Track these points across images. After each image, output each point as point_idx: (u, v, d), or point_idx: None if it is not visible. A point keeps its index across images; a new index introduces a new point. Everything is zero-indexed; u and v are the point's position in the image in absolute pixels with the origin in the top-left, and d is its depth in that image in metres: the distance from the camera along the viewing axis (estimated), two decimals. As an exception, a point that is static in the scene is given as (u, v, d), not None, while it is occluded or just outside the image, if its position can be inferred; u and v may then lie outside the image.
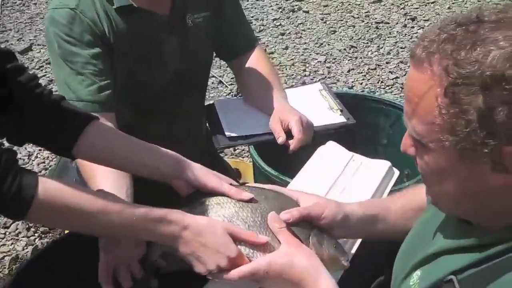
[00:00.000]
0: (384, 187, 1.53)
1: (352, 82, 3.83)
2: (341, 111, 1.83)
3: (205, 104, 2.00)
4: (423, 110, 0.87)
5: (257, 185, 1.41)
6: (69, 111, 1.30)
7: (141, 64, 1.70)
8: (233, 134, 1.75)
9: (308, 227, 1.23)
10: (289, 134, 1.67)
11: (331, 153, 1.62)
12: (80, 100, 1.56)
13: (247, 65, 1.91)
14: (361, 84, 3.80)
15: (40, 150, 3.17)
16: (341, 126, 1.79)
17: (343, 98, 1.95)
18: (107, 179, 1.42)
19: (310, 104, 1.89)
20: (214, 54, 1.95)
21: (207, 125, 1.95)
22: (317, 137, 1.72)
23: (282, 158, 1.69)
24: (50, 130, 1.28)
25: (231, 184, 1.31)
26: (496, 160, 0.83)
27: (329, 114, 1.83)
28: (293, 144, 1.65)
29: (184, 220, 1.17)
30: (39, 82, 1.30)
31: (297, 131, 1.64)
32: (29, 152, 3.17)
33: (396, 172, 1.57)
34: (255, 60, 1.91)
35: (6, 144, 1.26)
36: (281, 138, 1.66)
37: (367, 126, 1.96)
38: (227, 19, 1.85)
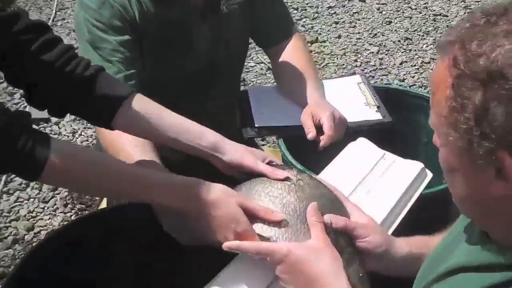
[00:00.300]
0: (414, 190, 1.46)
1: (404, 75, 3.72)
2: (378, 107, 1.76)
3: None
4: (436, 100, 0.82)
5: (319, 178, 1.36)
6: (108, 82, 1.30)
7: (171, 51, 1.66)
8: (262, 124, 1.71)
9: (345, 242, 1.17)
10: (320, 129, 1.61)
11: (361, 150, 1.56)
12: None
13: (283, 55, 1.85)
14: (413, 77, 3.69)
15: (84, 128, 3.20)
16: (376, 124, 1.71)
17: (383, 92, 1.87)
18: (133, 155, 1.42)
19: (346, 97, 1.82)
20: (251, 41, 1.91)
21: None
22: (349, 133, 1.66)
23: (311, 153, 1.63)
24: (88, 102, 1.29)
25: (275, 165, 1.32)
26: (498, 167, 0.76)
27: (365, 110, 1.76)
28: (323, 140, 1.59)
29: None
30: (75, 53, 1.30)
31: (328, 127, 1.58)
32: (74, 129, 3.21)
33: (429, 175, 1.49)
34: (292, 50, 1.86)
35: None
36: (311, 133, 1.60)
37: (406, 123, 1.88)
38: (263, 6, 1.80)
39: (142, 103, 1.33)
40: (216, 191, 1.18)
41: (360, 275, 1.14)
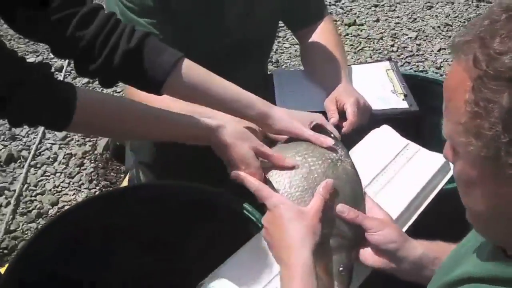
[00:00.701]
0: (436, 183, 1.40)
1: (441, 62, 3.62)
2: (405, 96, 1.69)
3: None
4: (453, 106, 0.74)
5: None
6: (155, 50, 1.30)
7: (202, 27, 1.62)
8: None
9: (345, 231, 1.15)
10: (343, 115, 1.55)
11: (384, 138, 1.50)
12: None
13: (312, 37, 1.80)
14: (450, 65, 3.58)
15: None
16: (402, 112, 1.65)
17: (412, 80, 1.80)
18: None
19: (373, 84, 1.76)
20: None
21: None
22: (374, 120, 1.60)
23: (334, 139, 1.59)
24: (136, 72, 1.29)
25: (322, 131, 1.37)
26: None
27: (391, 97, 1.70)
28: (345, 126, 1.53)
29: (223, 119, 1.30)
30: (116, 20, 1.29)
31: (351, 113, 1.52)
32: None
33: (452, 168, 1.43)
34: (321, 33, 1.80)
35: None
36: (333, 118, 1.55)
37: (435, 113, 1.80)
38: None
39: (191, 70, 1.33)
40: (233, 134, 1.27)
41: (340, 269, 1.12)
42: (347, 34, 3.90)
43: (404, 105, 1.66)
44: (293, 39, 3.73)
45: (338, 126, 1.55)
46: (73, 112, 1.12)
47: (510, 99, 0.66)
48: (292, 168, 1.25)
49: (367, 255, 1.15)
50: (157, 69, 1.29)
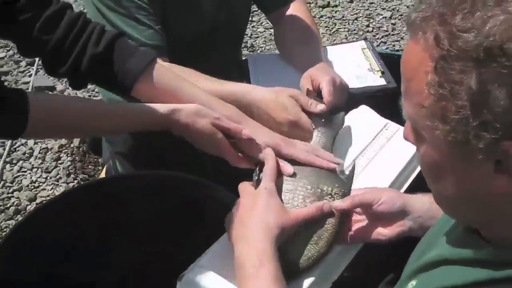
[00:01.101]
0: (418, 163, 1.38)
1: (417, 40, 3.60)
2: (383, 73, 1.67)
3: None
4: (413, 88, 0.70)
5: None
6: (124, 54, 1.28)
7: (177, 12, 1.59)
8: (260, 93, 1.63)
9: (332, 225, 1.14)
10: (319, 95, 1.53)
11: (363, 118, 1.49)
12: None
13: (284, 19, 1.77)
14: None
15: (90, 96, 3.15)
16: (379, 90, 1.63)
17: (389, 59, 1.78)
18: None
19: (350, 63, 1.74)
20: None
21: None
22: (352, 99, 1.58)
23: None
24: (105, 76, 1.28)
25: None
26: (499, 159, 0.65)
27: (368, 75, 1.68)
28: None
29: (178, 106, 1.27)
30: (85, 21, 1.28)
31: (327, 92, 1.50)
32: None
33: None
34: (294, 14, 1.77)
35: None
36: None
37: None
38: None
39: (160, 75, 1.32)
40: (189, 114, 1.26)
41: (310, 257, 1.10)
42: (322, 16, 3.87)
43: (382, 82, 1.64)
44: (268, 23, 3.70)
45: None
46: (26, 123, 1.10)
47: (479, 80, 0.62)
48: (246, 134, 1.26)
49: (380, 230, 1.11)
50: (126, 74, 1.28)
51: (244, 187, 1.13)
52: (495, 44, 0.60)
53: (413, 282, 0.84)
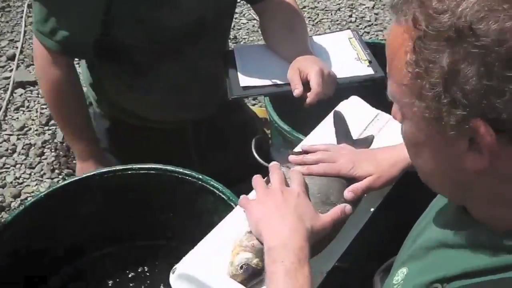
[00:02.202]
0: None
1: (400, 30, 3.61)
2: (370, 62, 1.66)
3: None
4: (395, 68, 0.72)
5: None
6: None
7: (152, 7, 1.53)
8: (248, 84, 1.61)
9: None
10: (308, 86, 1.52)
11: (353, 109, 1.47)
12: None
13: (270, 9, 1.76)
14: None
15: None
16: (367, 79, 1.62)
17: (375, 48, 1.77)
18: None
19: (337, 53, 1.73)
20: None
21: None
22: (340, 90, 1.57)
23: (302, 112, 1.55)
24: None
25: None
26: (472, 138, 0.67)
27: (355, 64, 1.67)
28: (310, 97, 1.50)
29: None
30: None
31: (315, 83, 1.49)
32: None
33: (424, 135, 1.42)
34: (279, 4, 1.76)
35: None
36: (297, 90, 1.51)
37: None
38: None
39: None
40: None
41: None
42: (304, 7, 3.86)
43: (369, 71, 1.63)
44: (250, 14, 3.69)
45: (303, 98, 1.52)
46: None
47: (450, 59, 0.64)
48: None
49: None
50: None
51: (265, 184, 1.11)
52: (466, 24, 0.63)
53: (404, 270, 0.84)
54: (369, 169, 1.17)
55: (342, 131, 1.36)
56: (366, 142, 1.32)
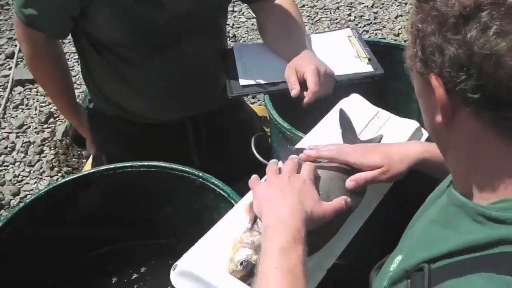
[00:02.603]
0: None
1: (399, 29, 3.61)
2: (369, 60, 1.66)
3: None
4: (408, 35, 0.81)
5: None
6: None
7: (134, 4, 1.52)
8: (247, 82, 1.61)
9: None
10: (305, 85, 1.52)
11: (354, 107, 1.47)
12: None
13: (267, 8, 1.76)
14: None
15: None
16: (367, 77, 1.62)
17: (375, 47, 1.78)
18: None
19: (336, 51, 1.73)
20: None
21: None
22: (340, 88, 1.57)
23: (301, 110, 1.55)
24: None
25: None
26: None
27: (355, 62, 1.67)
28: (307, 97, 1.49)
29: None
30: None
31: (312, 82, 1.48)
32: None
33: (425, 134, 1.41)
34: (275, 3, 1.75)
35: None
36: (294, 90, 1.50)
37: (399, 79, 1.79)
38: None
39: None
40: None
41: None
42: (303, 6, 3.86)
43: (369, 69, 1.63)
44: (249, 13, 3.69)
45: (300, 97, 1.52)
46: None
47: (418, 18, 0.75)
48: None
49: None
50: None
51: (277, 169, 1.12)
52: None
53: (399, 257, 0.85)
54: (378, 161, 1.17)
55: (349, 131, 1.36)
56: (374, 142, 1.32)
